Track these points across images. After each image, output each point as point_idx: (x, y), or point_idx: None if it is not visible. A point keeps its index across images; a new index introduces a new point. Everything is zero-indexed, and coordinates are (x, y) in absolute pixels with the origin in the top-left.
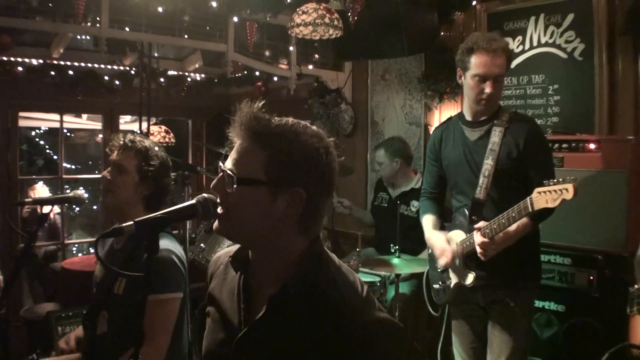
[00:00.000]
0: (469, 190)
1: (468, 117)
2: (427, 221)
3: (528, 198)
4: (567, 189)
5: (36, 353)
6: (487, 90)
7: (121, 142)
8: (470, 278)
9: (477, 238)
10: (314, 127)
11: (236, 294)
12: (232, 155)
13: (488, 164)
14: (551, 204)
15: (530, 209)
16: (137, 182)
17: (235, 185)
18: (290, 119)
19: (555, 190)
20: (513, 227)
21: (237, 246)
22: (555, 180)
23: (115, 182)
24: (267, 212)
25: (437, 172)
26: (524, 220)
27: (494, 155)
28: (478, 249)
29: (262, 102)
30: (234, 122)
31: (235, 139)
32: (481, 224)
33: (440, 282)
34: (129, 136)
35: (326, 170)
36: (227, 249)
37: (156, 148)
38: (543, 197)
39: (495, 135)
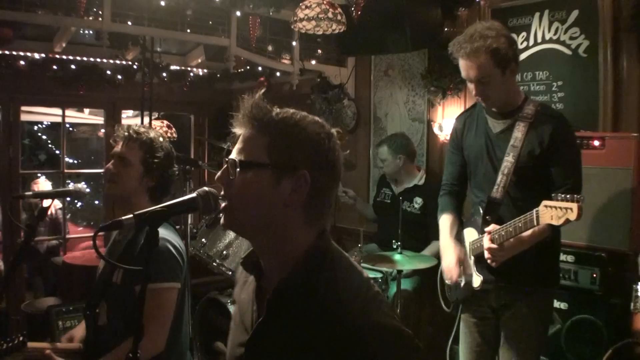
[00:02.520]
0: (487, 186)
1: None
2: (444, 224)
3: (535, 210)
4: (571, 209)
5: (22, 334)
6: (474, 91)
7: (126, 134)
8: (477, 281)
9: (486, 243)
10: (315, 117)
11: (251, 296)
12: (237, 146)
13: (508, 160)
14: (555, 222)
15: (535, 223)
16: (142, 174)
17: (238, 169)
18: (291, 109)
19: (560, 208)
20: (528, 232)
21: None
22: (563, 196)
23: (119, 174)
24: (271, 196)
25: (459, 162)
26: (541, 226)
27: (515, 152)
28: (486, 254)
29: (263, 91)
30: (236, 115)
31: (238, 130)
32: (491, 227)
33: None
34: (134, 127)
35: (329, 155)
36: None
37: (161, 139)
38: (549, 213)
39: (519, 130)
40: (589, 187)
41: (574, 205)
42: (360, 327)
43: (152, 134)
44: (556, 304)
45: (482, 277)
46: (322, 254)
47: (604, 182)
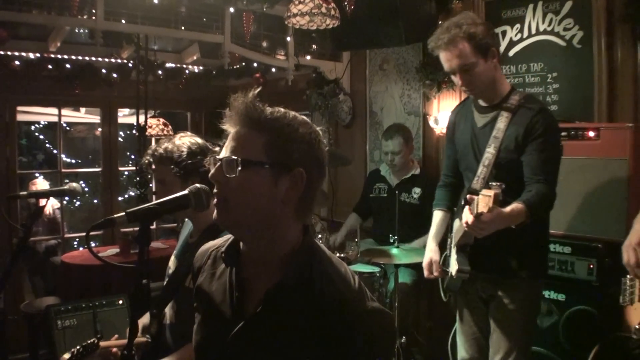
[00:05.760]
0: (471, 178)
1: (479, 101)
2: (433, 221)
3: (475, 197)
4: (490, 196)
5: (97, 337)
6: (459, 83)
7: (147, 160)
8: (453, 270)
9: (465, 215)
10: (303, 116)
11: (228, 288)
12: (230, 144)
13: (489, 152)
14: (485, 209)
15: (475, 210)
16: (181, 183)
17: (239, 168)
18: (282, 109)
19: (486, 195)
20: (508, 208)
21: (224, 239)
22: (498, 184)
23: (165, 195)
24: (269, 194)
25: (453, 155)
26: (518, 205)
27: (497, 143)
28: (464, 226)
29: (258, 91)
30: (228, 112)
31: (230, 128)
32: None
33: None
34: (153, 150)
35: (320, 154)
36: (212, 242)
37: (176, 141)
38: (483, 200)
39: (501, 122)
40: (585, 178)
41: (491, 192)
42: (360, 313)
43: (168, 145)
44: (553, 295)
45: (457, 267)
46: (311, 249)
47: (600, 173)
